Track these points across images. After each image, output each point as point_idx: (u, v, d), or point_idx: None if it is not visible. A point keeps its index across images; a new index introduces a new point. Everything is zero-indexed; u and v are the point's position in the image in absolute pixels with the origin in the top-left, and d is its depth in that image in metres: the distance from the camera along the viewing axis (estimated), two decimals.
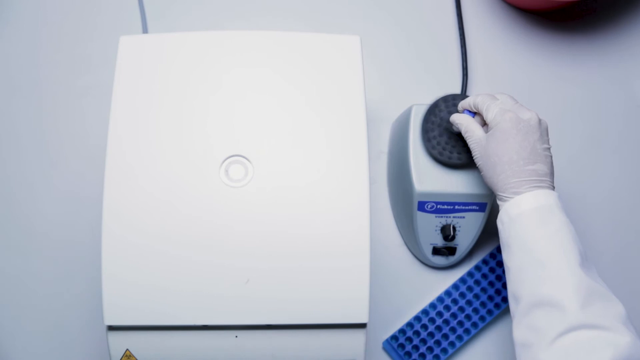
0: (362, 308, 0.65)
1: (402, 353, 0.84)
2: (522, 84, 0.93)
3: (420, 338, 0.84)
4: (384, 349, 0.85)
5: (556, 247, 0.66)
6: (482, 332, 0.86)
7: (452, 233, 0.82)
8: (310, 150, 0.67)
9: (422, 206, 0.81)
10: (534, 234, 0.67)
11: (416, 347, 0.84)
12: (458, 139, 0.79)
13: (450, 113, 0.80)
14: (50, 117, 0.89)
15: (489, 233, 0.88)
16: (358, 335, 0.67)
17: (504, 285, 0.86)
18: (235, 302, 0.64)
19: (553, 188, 0.70)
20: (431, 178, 0.80)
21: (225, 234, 0.65)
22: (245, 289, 0.64)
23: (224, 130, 0.67)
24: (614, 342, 0.61)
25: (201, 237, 0.65)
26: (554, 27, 0.95)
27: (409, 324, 0.84)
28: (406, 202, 0.83)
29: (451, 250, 0.84)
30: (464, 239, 0.83)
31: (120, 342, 0.66)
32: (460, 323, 0.85)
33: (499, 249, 0.87)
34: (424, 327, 0.84)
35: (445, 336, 0.84)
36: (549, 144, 0.71)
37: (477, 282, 0.86)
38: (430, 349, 0.84)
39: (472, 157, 0.79)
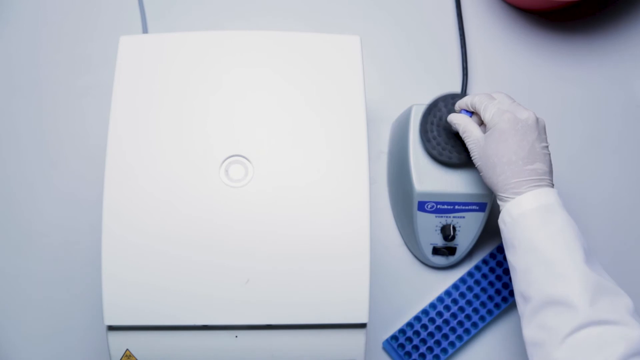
0: (362, 308, 0.65)
1: (402, 353, 0.84)
2: (522, 84, 0.93)
3: (420, 338, 0.84)
4: (384, 349, 0.85)
5: (560, 245, 0.66)
6: (482, 332, 0.86)
7: (452, 233, 0.82)
8: (310, 150, 0.67)
9: (422, 206, 0.81)
10: (537, 233, 0.67)
11: (416, 347, 0.84)
12: (457, 138, 0.79)
13: (450, 112, 0.80)
14: (50, 117, 0.89)
15: (489, 233, 0.88)
16: (358, 335, 0.67)
17: (504, 285, 0.86)
18: (235, 302, 0.64)
19: (552, 186, 0.70)
20: (431, 178, 0.80)
21: (225, 234, 0.65)
22: (245, 289, 0.64)
23: (224, 130, 0.67)
24: (626, 336, 0.61)
25: (201, 237, 0.65)
26: (554, 27, 0.95)
27: (409, 324, 0.84)
28: (406, 202, 0.83)
29: (451, 250, 0.84)
30: (464, 239, 0.83)
31: (120, 342, 0.66)
32: (460, 323, 0.85)
33: (499, 249, 0.87)
34: (424, 327, 0.84)
35: (445, 336, 0.84)
36: (547, 142, 0.71)
37: (477, 282, 0.86)
38: (430, 349, 0.84)
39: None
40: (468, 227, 0.82)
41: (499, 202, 0.71)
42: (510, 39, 0.94)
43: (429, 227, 0.82)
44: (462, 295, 0.85)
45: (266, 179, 0.66)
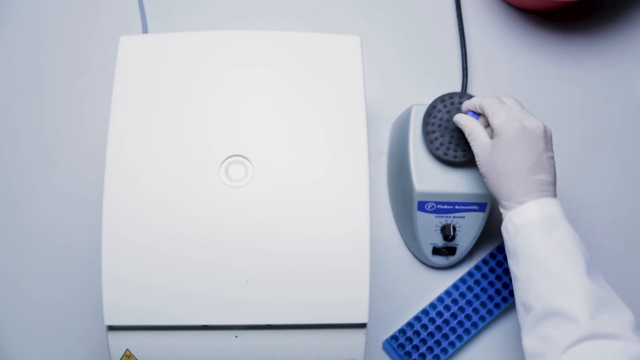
0: (362, 308, 0.65)
1: (402, 353, 0.84)
2: (522, 83, 0.93)
3: (420, 338, 0.84)
4: (384, 349, 0.85)
5: (563, 257, 0.66)
6: (482, 332, 0.86)
7: (452, 233, 0.82)
8: (310, 150, 0.67)
9: (422, 206, 0.81)
10: (540, 244, 0.67)
11: (416, 347, 0.84)
12: (459, 137, 0.79)
13: (451, 112, 0.80)
14: (50, 117, 0.89)
15: (489, 233, 0.88)
16: (358, 335, 0.67)
17: (504, 285, 0.86)
18: (235, 302, 0.64)
19: (555, 196, 0.70)
20: (431, 178, 0.80)
21: (225, 234, 0.65)
22: (245, 289, 0.64)
23: (224, 130, 0.67)
24: (626, 351, 0.61)
25: (201, 237, 0.65)
26: (554, 27, 0.95)
27: (409, 324, 0.84)
28: (406, 202, 0.83)
29: (451, 250, 0.84)
30: (464, 239, 0.83)
31: (120, 342, 0.66)
32: (460, 323, 0.85)
33: (499, 249, 0.87)
34: (424, 327, 0.84)
35: (445, 336, 0.84)
36: (552, 151, 0.71)
37: (477, 282, 0.86)
38: (430, 349, 0.84)
39: (470, 154, 0.79)
40: (468, 227, 0.82)
41: (502, 210, 0.71)
42: (510, 39, 0.94)
43: (429, 227, 0.82)
44: (462, 295, 0.85)
45: (266, 179, 0.66)
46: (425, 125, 0.80)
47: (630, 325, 0.63)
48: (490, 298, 0.85)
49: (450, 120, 0.80)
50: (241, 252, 0.65)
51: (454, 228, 0.82)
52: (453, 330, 0.84)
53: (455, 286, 0.86)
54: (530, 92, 0.93)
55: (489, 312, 0.85)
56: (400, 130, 0.85)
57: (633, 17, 0.96)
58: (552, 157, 0.71)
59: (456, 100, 0.80)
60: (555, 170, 0.71)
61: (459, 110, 0.80)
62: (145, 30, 0.92)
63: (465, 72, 0.91)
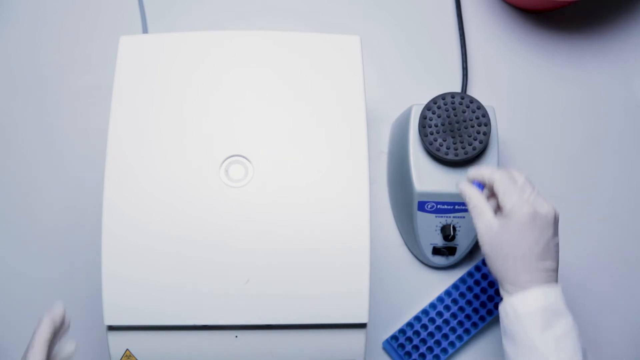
0: (362, 308, 0.65)
1: (402, 353, 0.84)
2: (522, 83, 0.93)
3: (420, 338, 0.84)
4: (384, 349, 0.85)
5: (563, 350, 0.65)
6: (482, 332, 0.86)
7: (452, 233, 0.82)
8: (310, 150, 0.67)
9: (422, 206, 0.81)
10: (540, 336, 0.65)
11: (416, 347, 0.84)
12: (458, 135, 0.79)
13: (450, 112, 0.80)
14: (50, 118, 0.89)
15: None
16: (358, 335, 0.67)
17: None
18: (235, 302, 0.64)
19: (557, 280, 0.69)
20: (431, 178, 0.80)
21: (225, 234, 0.65)
22: (245, 289, 0.64)
23: (224, 130, 0.67)
24: None
25: (201, 237, 0.65)
26: (554, 27, 0.95)
27: (409, 324, 0.84)
28: (406, 202, 0.83)
29: (451, 250, 0.84)
30: (464, 239, 0.83)
31: (120, 342, 0.66)
32: (460, 323, 0.85)
33: None
34: (424, 327, 0.84)
35: (445, 336, 0.84)
36: (558, 236, 0.69)
37: (477, 282, 0.86)
38: (430, 349, 0.84)
39: (470, 154, 0.79)
40: (468, 227, 0.82)
41: (502, 291, 0.69)
42: (510, 39, 0.94)
43: (429, 227, 0.82)
44: (462, 295, 0.85)
45: (266, 179, 0.66)
46: (423, 121, 0.80)
47: None
48: (490, 298, 0.85)
49: (450, 120, 0.80)
50: (241, 252, 0.65)
51: (454, 228, 0.82)
52: (453, 330, 0.84)
53: (455, 286, 0.86)
54: (530, 92, 0.93)
55: (489, 312, 0.85)
56: (400, 130, 0.85)
57: (633, 17, 0.96)
58: (558, 243, 0.69)
59: (457, 100, 0.80)
60: (558, 255, 0.69)
61: (458, 111, 0.80)
62: (145, 30, 0.92)
63: (465, 72, 0.91)
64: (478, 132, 0.79)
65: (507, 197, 0.68)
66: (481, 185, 0.71)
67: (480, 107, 0.80)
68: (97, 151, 0.76)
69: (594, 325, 0.87)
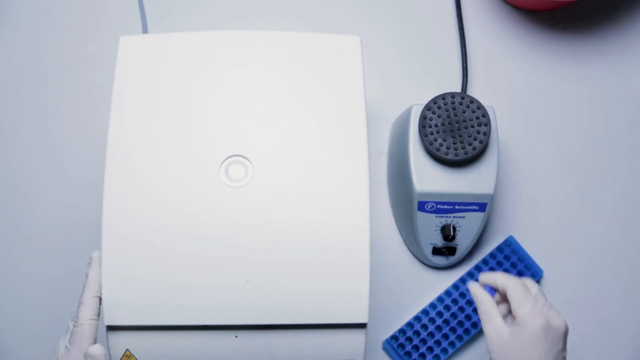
0: (362, 308, 0.65)
1: (402, 353, 0.84)
2: (522, 83, 0.93)
3: (420, 338, 0.84)
4: (384, 349, 0.85)
5: None
6: (482, 332, 0.86)
7: (452, 233, 0.82)
8: (310, 150, 0.67)
9: (422, 206, 0.81)
10: None
11: (416, 347, 0.84)
12: (458, 135, 0.79)
13: (449, 111, 0.80)
14: (50, 118, 0.89)
15: (489, 233, 0.88)
16: (358, 335, 0.67)
17: None
18: (235, 302, 0.64)
19: None
20: (431, 178, 0.80)
21: (225, 234, 0.65)
22: (245, 289, 0.64)
23: (224, 130, 0.67)
24: None
25: (201, 237, 0.65)
26: (554, 27, 0.95)
27: (409, 324, 0.84)
28: (406, 202, 0.83)
29: (451, 250, 0.84)
30: (464, 239, 0.83)
31: (120, 342, 0.66)
32: (460, 323, 0.85)
33: (499, 249, 0.87)
34: (424, 327, 0.84)
35: (445, 336, 0.84)
36: (566, 350, 0.69)
37: None
38: (430, 349, 0.84)
39: (470, 154, 0.79)
40: (468, 227, 0.82)
41: None
42: (510, 39, 0.94)
43: (429, 227, 0.82)
44: (462, 295, 0.85)
45: (266, 179, 0.66)
46: (423, 121, 0.80)
47: None
48: None
49: (450, 120, 0.80)
50: (241, 252, 0.65)
51: (454, 228, 0.82)
52: (453, 330, 0.84)
53: (455, 286, 0.86)
54: (530, 92, 0.93)
55: None
56: (400, 130, 0.85)
57: (633, 17, 0.96)
58: (565, 357, 0.68)
59: (457, 100, 0.80)
60: None
61: (458, 111, 0.80)
62: (145, 30, 0.92)
63: (465, 72, 0.91)
64: (478, 132, 0.79)
65: (520, 306, 0.67)
66: (493, 291, 0.71)
67: (480, 107, 0.80)
68: (98, 151, 0.76)
69: (594, 325, 0.87)
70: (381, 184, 0.90)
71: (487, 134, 0.79)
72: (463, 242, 0.84)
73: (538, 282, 0.87)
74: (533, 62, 0.94)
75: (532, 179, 0.90)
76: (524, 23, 0.95)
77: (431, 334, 0.84)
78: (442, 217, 0.82)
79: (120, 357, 0.66)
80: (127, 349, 0.66)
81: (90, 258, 0.67)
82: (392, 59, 0.93)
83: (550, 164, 0.91)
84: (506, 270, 0.86)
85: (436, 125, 0.80)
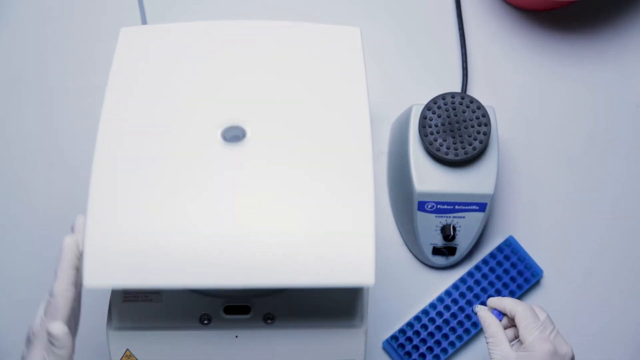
0: (368, 268, 0.59)
1: (402, 353, 0.84)
2: (522, 83, 0.93)
3: (420, 338, 0.84)
4: (384, 349, 0.85)
5: None
6: (482, 332, 0.86)
7: (452, 233, 0.82)
8: (309, 116, 0.64)
9: (422, 206, 0.81)
10: None
11: (416, 347, 0.84)
12: (458, 135, 0.79)
13: (449, 111, 0.80)
14: (50, 117, 0.89)
15: (489, 233, 0.88)
16: (358, 335, 0.67)
17: (504, 285, 0.86)
18: (229, 264, 0.58)
19: None
20: (431, 178, 0.80)
21: (219, 193, 0.60)
22: (240, 250, 0.58)
23: (221, 102, 0.64)
24: None
25: (193, 194, 0.60)
26: (554, 27, 0.95)
27: (409, 324, 0.84)
28: (406, 202, 0.83)
29: (451, 250, 0.84)
30: (464, 239, 0.83)
31: (120, 342, 0.66)
32: (460, 323, 0.85)
33: (499, 249, 0.87)
34: (424, 327, 0.84)
35: (445, 336, 0.84)
36: None
37: (477, 282, 0.86)
38: (430, 349, 0.84)
39: (470, 154, 0.79)
40: (468, 227, 0.82)
41: None
42: (510, 39, 0.94)
43: (429, 227, 0.82)
44: (462, 295, 0.85)
45: (264, 141, 0.62)
46: (423, 121, 0.80)
47: None
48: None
49: (450, 120, 0.80)
50: (236, 208, 0.60)
51: (454, 228, 0.82)
52: (453, 330, 0.84)
53: (455, 286, 0.86)
54: (530, 92, 0.93)
55: None
56: (400, 130, 0.85)
57: (633, 17, 0.96)
58: None
59: (457, 100, 0.80)
60: None
61: (458, 111, 0.80)
62: None
63: (465, 72, 0.91)
64: (478, 132, 0.79)
65: (528, 332, 0.67)
66: (501, 315, 0.71)
67: (480, 107, 0.80)
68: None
69: (594, 326, 0.87)
70: (381, 184, 0.90)
71: (487, 134, 0.79)
72: (463, 242, 0.84)
73: (538, 282, 0.87)
74: (533, 62, 0.94)
75: (532, 179, 0.90)
76: (524, 23, 0.95)
77: (431, 334, 0.84)
78: (442, 217, 0.82)
79: (120, 357, 0.66)
80: (127, 349, 0.66)
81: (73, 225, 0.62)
82: (392, 59, 0.93)
83: (550, 164, 0.91)
84: (506, 271, 0.86)
85: (436, 125, 0.80)
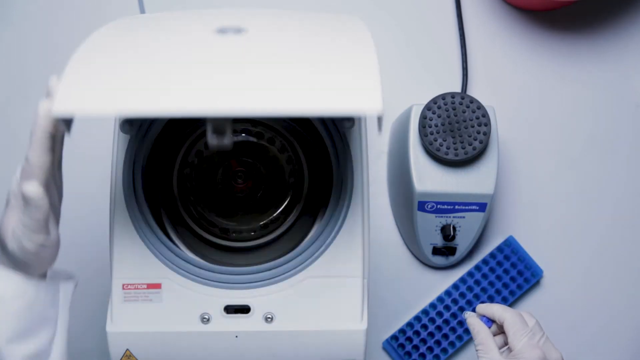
0: (375, 96, 0.54)
1: (402, 353, 0.84)
2: (522, 83, 0.93)
3: (420, 338, 0.84)
4: (384, 349, 0.85)
5: None
6: None
7: (452, 233, 0.82)
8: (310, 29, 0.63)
9: (422, 206, 0.81)
10: None
11: (416, 347, 0.84)
12: (460, 137, 0.79)
13: (449, 111, 0.80)
14: None
15: (489, 233, 0.88)
16: (358, 335, 0.67)
17: (504, 285, 0.86)
18: (228, 90, 0.50)
19: None
20: (431, 178, 0.80)
21: (213, 54, 0.54)
22: (239, 78, 0.51)
23: (217, 16, 0.62)
24: None
25: (184, 54, 0.54)
26: (554, 27, 0.95)
27: (409, 324, 0.84)
28: (406, 202, 0.83)
29: (451, 250, 0.84)
30: (464, 239, 0.83)
31: (120, 342, 0.66)
32: (461, 323, 0.85)
33: (499, 249, 0.87)
34: (424, 327, 0.84)
35: (445, 336, 0.84)
36: None
37: (477, 282, 0.86)
38: (430, 349, 0.84)
39: (470, 154, 0.79)
40: (468, 227, 0.82)
41: None
42: (510, 39, 0.94)
43: (429, 227, 0.82)
44: (462, 295, 0.85)
45: (263, 34, 0.59)
46: (423, 121, 0.80)
47: None
48: (490, 298, 0.85)
49: (450, 120, 0.80)
50: (235, 39, 0.55)
51: (454, 228, 0.82)
52: (453, 330, 0.84)
53: (455, 286, 0.86)
54: (530, 92, 0.93)
55: None
56: (400, 130, 0.85)
57: (633, 17, 0.96)
58: None
59: (457, 100, 0.80)
60: None
61: (458, 111, 0.80)
62: None
63: (465, 72, 0.91)
64: (478, 132, 0.79)
65: (517, 338, 0.67)
66: (490, 322, 0.71)
67: (480, 107, 0.80)
68: (100, 149, 0.77)
69: (594, 325, 0.87)
70: (381, 184, 0.90)
71: (487, 134, 0.79)
72: (463, 242, 0.84)
73: (538, 282, 0.87)
74: (533, 62, 0.94)
75: (532, 179, 0.90)
76: (524, 23, 0.95)
77: (431, 334, 0.84)
78: (442, 217, 0.82)
79: (120, 357, 0.66)
80: (127, 349, 0.66)
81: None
82: (392, 59, 0.93)
83: (550, 164, 0.91)
84: (506, 271, 0.86)
85: (436, 125, 0.80)
